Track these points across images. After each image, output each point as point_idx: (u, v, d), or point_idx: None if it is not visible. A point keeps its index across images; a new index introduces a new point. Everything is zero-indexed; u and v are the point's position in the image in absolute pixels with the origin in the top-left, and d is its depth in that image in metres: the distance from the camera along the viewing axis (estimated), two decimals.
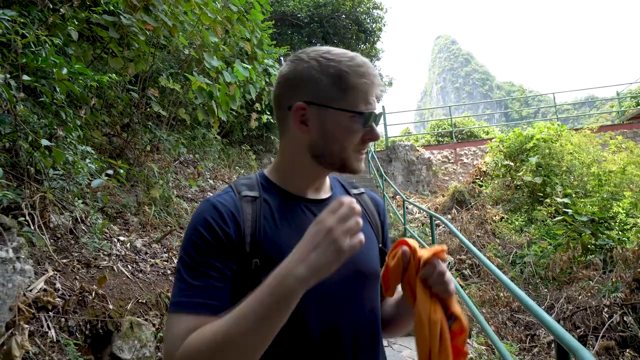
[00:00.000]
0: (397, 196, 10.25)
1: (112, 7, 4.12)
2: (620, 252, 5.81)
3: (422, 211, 9.67)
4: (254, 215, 0.92)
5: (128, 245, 3.71)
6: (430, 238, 6.07)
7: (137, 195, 4.51)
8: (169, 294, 3.34)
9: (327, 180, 1.09)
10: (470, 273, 7.02)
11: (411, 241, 0.92)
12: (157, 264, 3.70)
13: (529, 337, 5.14)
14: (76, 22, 3.84)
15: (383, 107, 13.99)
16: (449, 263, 7.05)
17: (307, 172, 1.00)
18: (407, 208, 8.68)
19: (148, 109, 5.18)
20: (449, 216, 9.28)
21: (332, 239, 0.70)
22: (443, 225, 8.08)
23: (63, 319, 2.51)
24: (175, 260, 3.88)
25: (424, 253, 0.90)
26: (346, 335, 0.92)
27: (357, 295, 0.96)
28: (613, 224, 7.14)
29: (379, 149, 14.27)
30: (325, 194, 1.05)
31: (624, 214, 7.53)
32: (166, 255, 3.95)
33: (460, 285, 5.52)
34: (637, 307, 4.95)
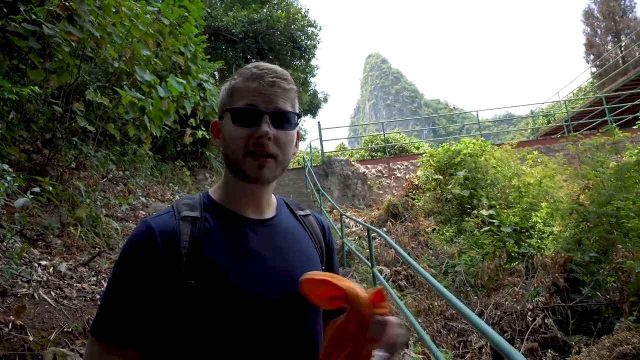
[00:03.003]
0: (335, 210, 10.38)
1: (32, 16, 3.85)
2: (540, 259, 6.28)
3: (358, 224, 9.86)
4: (192, 236, 0.91)
5: (51, 269, 3.43)
6: (368, 250, 6.19)
7: (60, 215, 4.20)
8: None
9: (272, 200, 1.08)
10: (406, 284, 7.24)
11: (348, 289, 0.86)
12: (84, 288, 3.45)
13: (462, 343, 5.37)
14: None
15: (319, 122, 14.20)
16: (385, 275, 7.22)
17: (235, 188, 1.00)
18: (344, 222, 8.81)
19: (73, 124, 4.87)
20: (385, 229, 9.54)
21: None
22: (379, 238, 8.29)
23: None
24: (105, 285, 3.64)
25: (361, 302, 0.84)
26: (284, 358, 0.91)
27: (298, 318, 0.95)
28: (533, 232, 7.71)
29: (315, 164, 14.42)
30: (268, 213, 1.03)
31: (542, 223, 8.16)
32: (94, 278, 3.69)
33: (397, 296, 5.68)
34: (556, 310, 5.36)
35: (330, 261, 1.14)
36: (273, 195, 1.09)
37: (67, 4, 4.02)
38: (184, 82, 5.53)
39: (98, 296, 3.44)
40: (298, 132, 1.07)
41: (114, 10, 4.59)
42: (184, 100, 6.27)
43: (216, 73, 13.18)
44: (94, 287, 3.55)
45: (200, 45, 7.97)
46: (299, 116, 0.99)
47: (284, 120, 0.95)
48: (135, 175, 6.65)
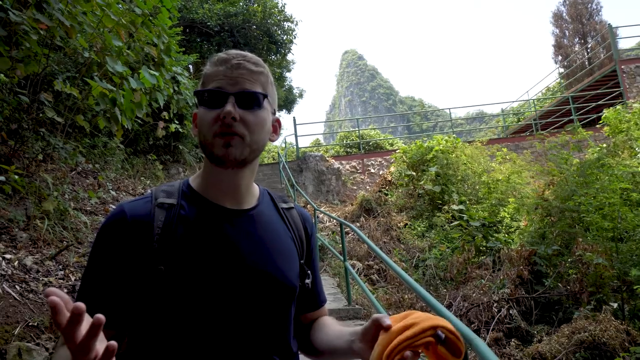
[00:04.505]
0: (309, 205, 10.43)
1: None
2: (507, 252, 6.49)
3: (332, 219, 9.94)
4: (166, 222, 0.92)
5: (16, 263, 3.36)
6: (341, 245, 6.27)
7: (26, 208, 4.10)
8: None
9: (254, 190, 1.06)
10: (378, 278, 7.36)
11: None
12: (51, 282, 3.39)
13: None
14: None
15: (294, 118, 14.21)
16: (358, 269, 7.33)
17: (212, 175, 0.99)
18: (318, 217, 8.88)
19: (40, 115, 4.75)
20: (358, 224, 9.65)
21: None
22: (352, 233, 8.38)
23: None
24: (73, 278, 3.59)
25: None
26: (252, 347, 0.92)
27: (266, 312, 0.95)
28: (500, 227, 7.95)
29: (290, 159, 14.43)
30: (248, 204, 1.02)
31: (509, 218, 8.43)
32: (62, 272, 3.63)
33: (369, 289, 5.78)
34: (520, 301, 5.56)
35: (309, 256, 1.13)
36: (256, 186, 1.08)
37: None
38: (157, 74, 5.45)
39: (66, 290, 3.40)
40: (278, 120, 1.06)
41: None
42: (156, 93, 6.19)
43: (191, 66, 12.98)
44: (61, 281, 3.50)
45: (174, 37, 7.86)
46: (265, 96, 0.96)
47: (251, 101, 0.93)
48: (106, 168, 6.54)
